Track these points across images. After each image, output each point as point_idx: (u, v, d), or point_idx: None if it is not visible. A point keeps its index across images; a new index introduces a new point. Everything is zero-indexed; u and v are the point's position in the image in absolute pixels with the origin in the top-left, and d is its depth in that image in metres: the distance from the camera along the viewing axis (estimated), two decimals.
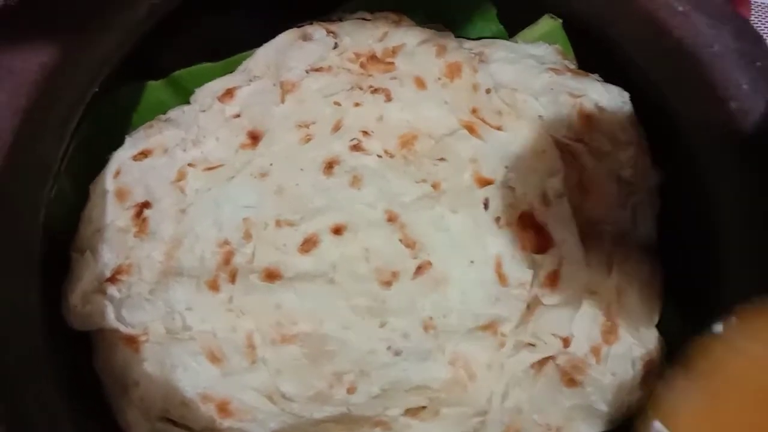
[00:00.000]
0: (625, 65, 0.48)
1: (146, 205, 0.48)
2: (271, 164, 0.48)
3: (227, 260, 0.48)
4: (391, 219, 0.48)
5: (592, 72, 0.50)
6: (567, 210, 0.48)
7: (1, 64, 0.32)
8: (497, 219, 0.48)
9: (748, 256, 0.42)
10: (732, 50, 0.33)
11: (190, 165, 0.48)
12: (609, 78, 0.50)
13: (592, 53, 0.51)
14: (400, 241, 0.48)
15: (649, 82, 0.46)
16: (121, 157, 0.47)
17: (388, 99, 0.49)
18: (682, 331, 0.49)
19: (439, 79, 0.49)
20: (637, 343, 0.48)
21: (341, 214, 0.48)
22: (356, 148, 0.49)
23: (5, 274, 0.35)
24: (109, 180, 0.47)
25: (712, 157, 0.41)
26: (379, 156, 0.49)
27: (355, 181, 0.49)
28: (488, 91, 0.49)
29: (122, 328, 0.46)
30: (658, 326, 0.48)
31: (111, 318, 0.46)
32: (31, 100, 0.33)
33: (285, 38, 0.49)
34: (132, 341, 0.47)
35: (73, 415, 0.41)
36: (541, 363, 0.48)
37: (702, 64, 0.34)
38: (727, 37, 0.33)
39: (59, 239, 0.46)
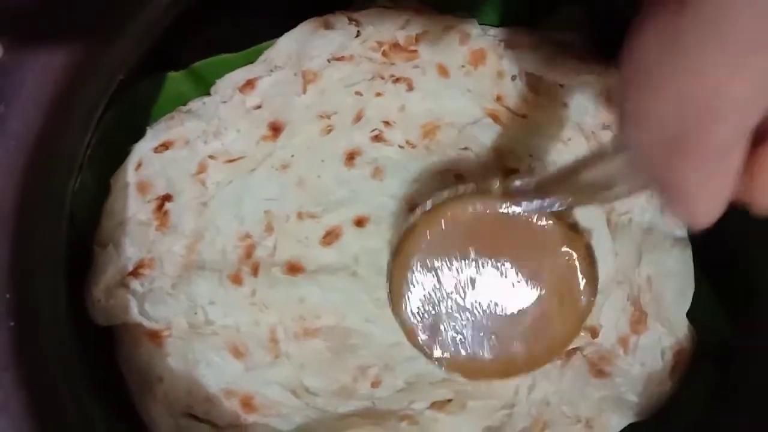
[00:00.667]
0: None
1: (167, 198, 0.47)
2: (292, 156, 0.48)
3: (249, 254, 0.47)
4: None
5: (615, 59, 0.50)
6: None
7: (25, 60, 0.32)
8: None
9: None
10: None
11: (211, 157, 0.48)
12: None
13: (616, 40, 0.50)
14: None
15: None
16: (143, 149, 0.47)
17: (410, 88, 0.48)
18: (715, 319, 0.48)
19: (463, 66, 0.48)
20: (666, 332, 0.47)
21: (363, 206, 0.48)
22: (378, 138, 0.48)
23: (33, 269, 0.34)
24: (130, 172, 0.46)
25: None
26: (401, 146, 0.49)
27: (377, 173, 0.48)
28: (513, 78, 0.48)
29: (145, 323, 0.46)
30: (689, 314, 0.48)
31: (134, 312, 0.46)
32: (55, 93, 0.32)
33: (306, 27, 0.48)
34: (155, 336, 0.46)
35: (104, 415, 0.41)
36: (569, 354, 0.47)
37: None
38: None
39: (82, 233, 0.45)
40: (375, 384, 0.47)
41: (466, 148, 0.48)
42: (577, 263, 0.39)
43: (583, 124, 0.48)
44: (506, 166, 0.48)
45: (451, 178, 0.48)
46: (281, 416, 0.46)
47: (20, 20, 0.31)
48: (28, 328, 0.34)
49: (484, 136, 0.48)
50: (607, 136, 0.48)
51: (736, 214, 0.47)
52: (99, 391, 0.42)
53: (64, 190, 0.38)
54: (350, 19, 0.48)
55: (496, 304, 0.40)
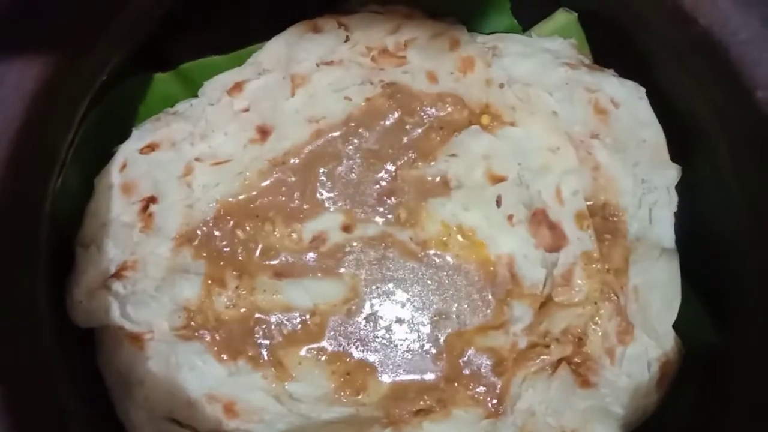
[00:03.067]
0: (645, 56, 0.47)
1: (152, 200, 0.47)
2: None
3: (235, 257, 0.47)
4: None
5: (608, 67, 0.50)
6: (582, 207, 0.47)
7: (6, 55, 0.32)
8: (510, 217, 0.47)
9: None
10: (760, 37, 0.32)
11: (197, 160, 0.47)
12: (626, 70, 0.49)
13: (608, 46, 0.50)
14: (411, 239, 0.47)
15: (670, 72, 0.45)
16: (128, 149, 0.47)
17: None
18: (702, 331, 0.48)
19: (452, 73, 0.48)
20: (653, 344, 0.47)
21: (350, 213, 0.48)
22: None
23: (12, 266, 0.34)
24: (115, 173, 0.46)
25: (735, 149, 0.40)
26: None
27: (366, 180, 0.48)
28: (501, 85, 0.48)
29: (127, 326, 0.46)
30: (676, 326, 0.47)
31: (116, 315, 0.45)
32: (38, 87, 0.32)
33: (295, 30, 0.48)
34: (137, 339, 0.46)
35: (83, 414, 0.41)
36: (555, 364, 0.47)
37: (728, 53, 0.33)
38: (755, 23, 0.32)
39: (65, 232, 0.45)
40: (359, 391, 0.46)
41: (454, 155, 0.48)
42: None
43: (572, 132, 0.48)
44: (495, 174, 0.48)
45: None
46: (264, 422, 0.46)
47: (3, 17, 0.31)
48: (5, 327, 0.34)
49: (473, 143, 0.48)
50: (596, 145, 0.48)
51: (725, 227, 0.47)
52: (78, 391, 0.41)
53: (46, 185, 0.38)
54: (339, 24, 0.48)
55: None
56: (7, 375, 0.34)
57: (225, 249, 0.47)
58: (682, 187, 0.48)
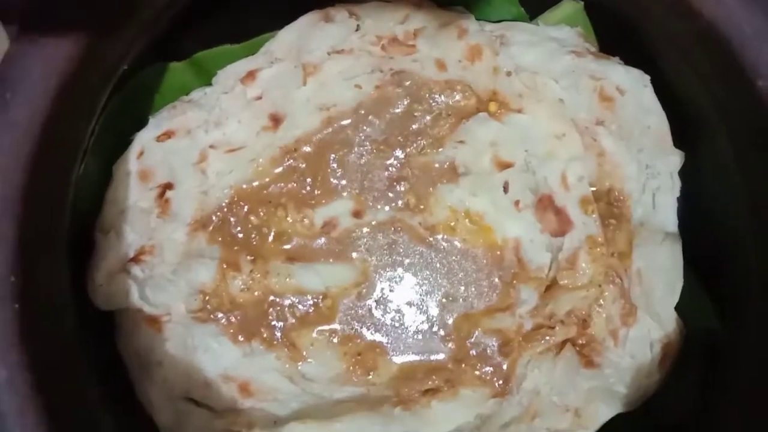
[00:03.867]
0: (649, 47, 0.47)
1: (169, 186, 0.48)
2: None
3: (249, 242, 0.48)
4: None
5: (613, 54, 0.50)
6: (587, 193, 0.48)
7: (31, 50, 0.33)
8: (516, 202, 0.48)
9: None
10: (762, 31, 0.33)
11: (211, 147, 0.48)
12: (630, 60, 0.50)
13: (613, 35, 0.50)
14: (420, 224, 0.48)
15: (674, 63, 0.45)
16: (145, 137, 0.48)
17: None
18: (704, 313, 0.49)
19: (460, 61, 0.49)
20: (655, 326, 0.48)
21: (360, 199, 0.49)
22: None
23: (37, 254, 0.35)
24: (132, 161, 0.47)
25: (736, 139, 0.41)
26: None
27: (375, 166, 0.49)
28: (509, 73, 0.49)
29: (146, 308, 0.47)
30: (679, 309, 0.48)
31: (135, 298, 0.47)
32: (63, 80, 0.33)
33: (307, 20, 0.49)
34: (155, 321, 0.47)
35: (105, 396, 0.42)
36: (560, 345, 0.48)
37: (731, 46, 0.34)
38: (759, 17, 0.33)
39: (85, 219, 0.46)
40: (370, 371, 0.48)
41: (462, 142, 0.49)
42: None
43: (578, 119, 0.49)
44: (502, 160, 0.49)
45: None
46: (278, 401, 0.47)
47: (27, 11, 0.32)
48: (31, 311, 0.35)
49: (480, 130, 0.49)
50: (601, 132, 0.49)
51: (727, 212, 0.48)
52: (99, 373, 0.43)
53: (69, 175, 0.39)
54: (350, 13, 0.49)
55: None
56: (35, 362, 0.35)
57: (239, 234, 0.48)
58: (684, 174, 0.49)
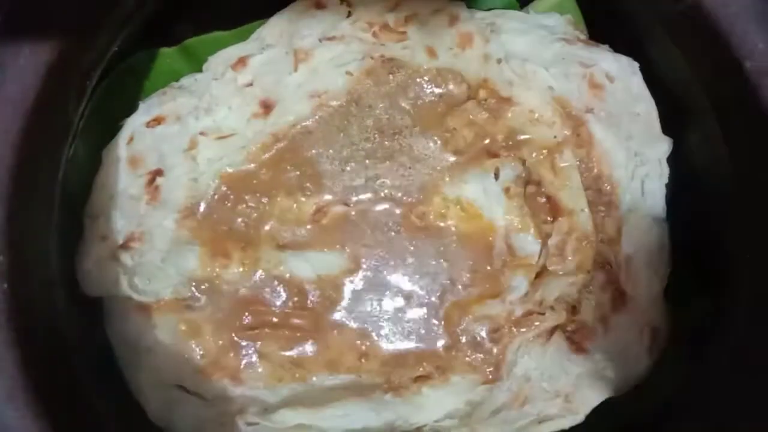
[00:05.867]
0: (637, 32, 0.48)
1: (158, 173, 0.48)
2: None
3: (239, 229, 0.48)
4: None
5: (603, 42, 0.51)
6: (577, 180, 0.49)
7: (22, 28, 0.33)
8: (507, 189, 0.49)
9: (760, 224, 0.42)
10: (749, 9, 0.33)
11: (202, 134, 0.48)
12: (619, 47, 0.50)
13: (602, 23, 0.51)
14: (411, 211, 0.49)
15: (662, 47, 0.46)
16: (135, 123, 0.47)
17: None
18: (692, 299, 0.50)
19: (451, 48, 0.49)
20: (644, 311, 0.48)
21: (351, 186, 0.49)
22: None
23: (27, 233, 0.35)
24: (122, 146, 0.47)
25: (725, 120, 0.41)
26: None
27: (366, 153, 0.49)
28: (499, 61, 0.49)
29: (135, 296, 0.47)
30: (667, 295, 0.49)
31: (124, 285, 0.46)
32: (54, 58, 0.33)
33: (298, 6, 0.49)
34: (144, 309, 0.47)
35: (93, 379, 0.42)
36: (550, 331, 0.48)
37: (719, 25, 0.34)
38: None
39: (73, 203, 0.46)
40: (360, 358, 0.48)
41: (453, 129, 0.49)
42: None
43: (567, 107, 0.49)
44: (491, 148, 0.49)
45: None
46: (268, 388, 0.47)
47: None
48: (20, 291, 0.35)
49: (471, 118, 0.49)
50: (590, 119, 0.49)
51: (715, 197, 0.48)
52: (89, 356, 0.43)
53: (59, 156, 0.38)
54: (341, 0, 0.49)
55: None
56: (24, 339, 0.35)
57: (229, 222, 0.48)
58: (673, 159, 0.49)
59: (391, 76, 0.49)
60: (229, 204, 0.48)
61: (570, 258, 0.49)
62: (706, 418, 0.46)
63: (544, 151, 0.49)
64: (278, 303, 0.48)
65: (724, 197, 0.45)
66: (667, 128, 0.50)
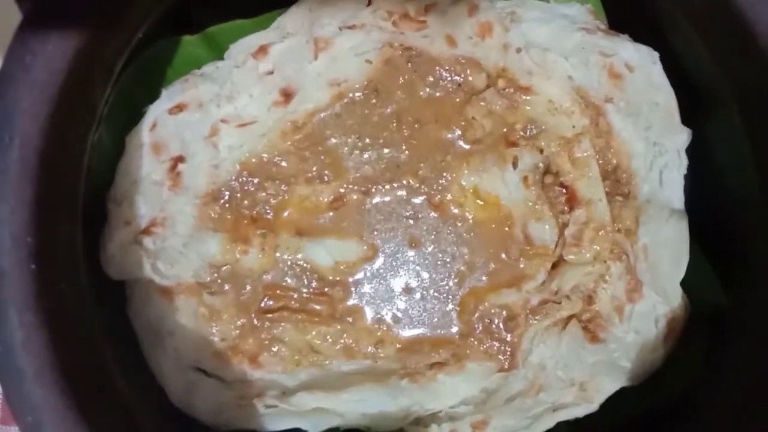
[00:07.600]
0: (658, 21, 0.48)
1: (180, 159, 0.48)
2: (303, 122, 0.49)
3: (259, 216, 0.49)
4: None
5: (623, 32, 0.51)
6: (595, 170, 0.49)
7: (51, 13, 0.33)
8: (525, 179, 0.49)
9: None
10: None
11: (223, 121, 0.49)
12: (639, 37, 0.50)
13: (622, 12, 0.51)
14: (428, 200, 0.49)
15: (683, 36, 0.46)
16: (158, 110, 0.48)
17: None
18: (709, 289, 0.50)
19: (471, 38, 0.50)
20: (661, 301, 0.48)
21: (369, 174, 0.49)
22: None
23: (54, 215, 0.36)
24: (145, 133, 0.48)
25: (747, 109, 0.41)
26: None
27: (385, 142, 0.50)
28: (519, 50, 0.49)
29: (157, 280, 0.47)
30: (684, 284, 0.49)
31: (147, 269, 0.47)
32: (81, 43, 0.33)
33: None
34: (166, 292, 0.48)
35: (117, 359, 0.43)
36: (566, 320, 0.49)
37: (743, 13, 0.34)
38: None
39: (98, 188, 0.47)
40: (377, 344, 0.48)
41: (472, 118, 0.50)
42: None
43: (587, 96, 0.49)
44: (511, 136, 0.49)
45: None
46: (286, 373, 0.48)
47: None
48: (48, 272, 0.35)
49: (490, 107, 0.49)
50: (609, 109, 0.49)
51: (735, 188, 0.48)
52: (112, 337, 0.43)
53: (86, 140, 0.39)
54: None
55: None
56: (52, 320, 0.36)
57: (249, 208, 0.49)
58: (692, 150, 0.49)
59: (410, 65, 0.49)
60: (249, 191, 0.49)
61: (587, 248, 0.49)
62: (723, 408, 0.46)
63: (563, 141, 0.49)
64: (296, 289, 0.49)
65: (745, 188, 0.45)
66: (686, 119, 0.49)
